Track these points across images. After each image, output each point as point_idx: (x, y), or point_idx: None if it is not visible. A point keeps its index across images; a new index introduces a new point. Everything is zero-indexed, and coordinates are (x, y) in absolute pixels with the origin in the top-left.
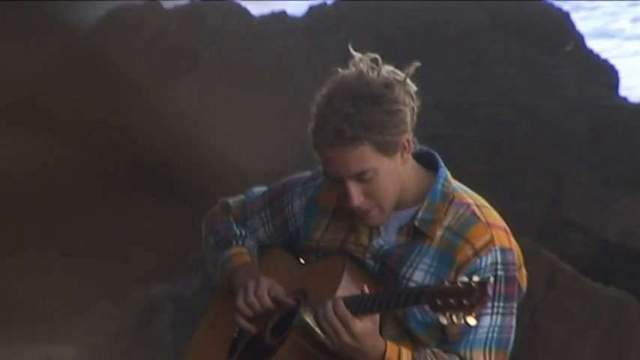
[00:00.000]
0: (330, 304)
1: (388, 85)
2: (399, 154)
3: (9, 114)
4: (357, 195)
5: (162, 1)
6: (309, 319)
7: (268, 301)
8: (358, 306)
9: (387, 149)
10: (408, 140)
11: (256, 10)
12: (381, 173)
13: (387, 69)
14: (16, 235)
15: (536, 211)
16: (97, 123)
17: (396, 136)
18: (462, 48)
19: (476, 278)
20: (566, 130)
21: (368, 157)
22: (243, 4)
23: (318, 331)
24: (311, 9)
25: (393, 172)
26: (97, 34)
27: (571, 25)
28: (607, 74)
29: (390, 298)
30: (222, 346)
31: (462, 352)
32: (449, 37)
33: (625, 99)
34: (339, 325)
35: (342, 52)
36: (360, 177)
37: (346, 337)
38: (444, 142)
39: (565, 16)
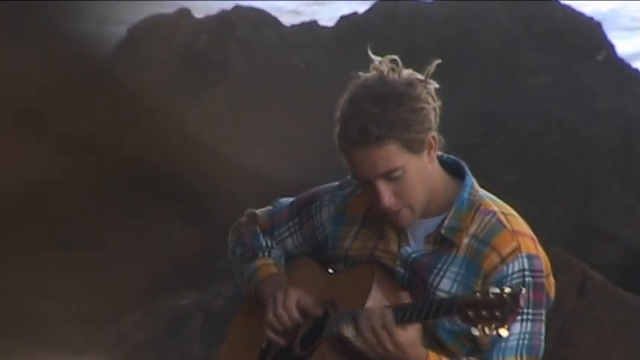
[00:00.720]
0: (377, 314)
1: (410, 83)
2: (426, 152)
3: (20, 122)
4: (387, 195)
5: (194, 9)
6: (347, 332)
7: (296, 315)
8: (399, 316)
9: (413, 147)
10: (433, 138)
11: (287, 20)
12: (410, 171)
13: (407, 70)
14: (35, 247)
15: (566, 220)
16: (115, 134)
17: (421, 133)
18: (494, 57)
19: (507, 289)
20: (596, 139)
21: (395, 156)
22: (274, 13)
23: (358, 343)
24: (342, 19)
25: (421, 171)
26: (129, 43)
27: (602, 35)
28: (638, 84)
29: (420, 310)
30: (250, 357)
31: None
32: (480, 47)
33: None
34: (384, 335)
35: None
36: (389, 176)
37: (390, 347)
38: (475, 151)
39: (596, 26)
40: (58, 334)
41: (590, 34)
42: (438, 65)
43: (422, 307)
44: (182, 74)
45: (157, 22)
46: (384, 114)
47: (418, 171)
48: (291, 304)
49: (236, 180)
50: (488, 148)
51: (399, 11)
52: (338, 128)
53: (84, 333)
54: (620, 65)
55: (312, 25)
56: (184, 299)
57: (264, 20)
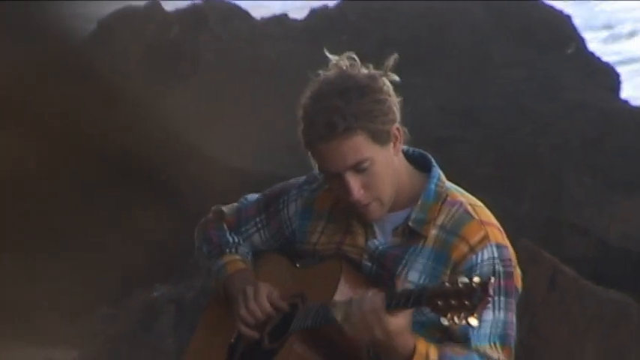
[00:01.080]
0: (367, 301)
1: (371, 76)
2: (392, 144)
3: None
4: (356, 187)
5: (164, 2)
6: (339, 317)
7: (269, 308)
8: (390, 303)
9: (379, 138)
10: (398, 129)
11: (257, 12)
12: (377, 163)
13: (366, 66)
14: (10, 236)
15: (537, 213)
16: (90, 126)
17: (386, 124)
18: (466, 51)
19: (477, 279)
20: (567, 132)
21: (363, 147)
22: (244, 5)
23: (347, 327)
24: (313, 11)
25: (388, 162)
26: (99, 36)
27: (572, 28)
28: (608, 77)
29: (390, 301)
30: (219, 351)
31: (472, 347)
32: (453, 40)
33: (626, 102)
34: (373, 321)
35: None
36: (358, 167)
37: (379, 333)
38: (448, 145)
39: (566, 19)
40: (31, 326)
41: (560, 28)
42: (412, 59)
43: (391, 299)
44: (153, 66)
45: (128, 14)
46: (348, 106)
47: (385, 163)
48: (262, 298)
49: (208, 172)
50: (463, 141)
51: (372, 4)
52: (302, 126)
53: (57, 326)
54: (590, 58)
55: (282, 18)
56: (156, 292)
57: (235, 12)
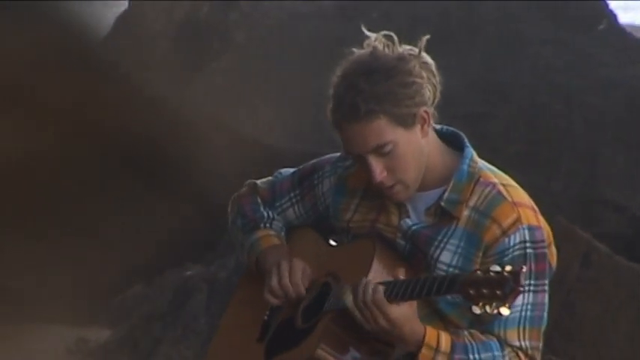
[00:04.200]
0: (369, 290)
1: (401, 58)
2: (419, 126)
3: (7, 98)
4: (379, 170)
5: None
6: (349, 303)
7: (302, 287)
8: (391, 292)
9: (403, 121)
10: (426, 112)
11: None
12: (401, 146)
13: (404, 47)
14: (40, 222)
15: (571, 190)
16: (115, 111)
17: (412, 107)
18: (496, 28)
19: (508, 267)
20: (600, 109)
21: (385, 130)
22: None
23: (357, 314)
24: None
25: (414, 145)
26: (131, 15)
27: (604, 4)
28: None
29: (422, 287)
30: (252, 328)
31: (495, 332)
32: (483, 17)
33: None
34: (375, 311)
35: (375, 33)
36: (380, 151)
37: (383, 322)
38: (479, 122)
39: None
40: (63, 307)
41: (590, 4)
42: (441, 37)
43: (423, 285)
44: (183, 46)
45: None
46: (373, 89)
47: (410, 146)
48: (297, 276)
49: (238, 151)
50: (493, 118)
51: None
52: (330, 104)
53: (89, 306)
54: (622, 34)
55: None
56: (189, 271)
57: None
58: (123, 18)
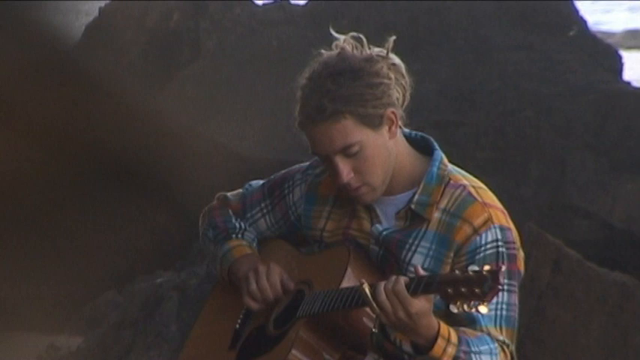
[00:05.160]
0: (390, 282)
1: (369, 59)
2: (386, 127)
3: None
4: (345, 171)
5: None
6: (368, 291)
7: (279, 288)
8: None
9: (370, 122)
10: (393, 113)
11: None
12: (368, 147)
13: (373, 49)
14: (9, 233)
15: (540, 196)
16: (85, 121)
17: (378, 108)
18: (465, 34)
19: (487, 267)
20: (570, 115)
21: (351, 131)
22: None
23: (374, 304)
24: None
25: (381, 146)
26: (100, 24)
27: (574, 10)
28: (610, 59)
29: (412, 284)
30: (224, 337)
31: (479, 329)
32: (452, 23)
33: (629, 83)
34: (396, 303)
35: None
36: (347, 152)
37: (402, 315)
38: (448, 129)
39: (567, 1)
40: (33, 316)
41: (561, 10)
42: (410, 43)
43: (412, 282)
44: (154, 54)
45: (128, 2)
46: (339, 89)
47: (377, 147)
48: (275, 278)
49: (210, 159)
50: (462, 125)
51: None
52: (298, 106)
53: (59, 315)
54: (592, 40)
55: (284, 4)
56: (159, 279)
57: None
58: (93, 27)
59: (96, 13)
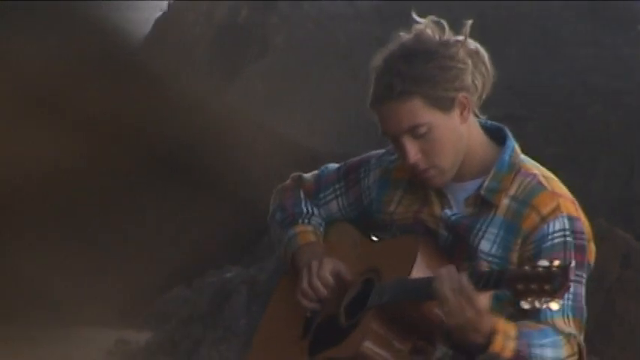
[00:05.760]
0: (463, 278)
1: (444, 43)
2: (457, 111)
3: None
4: (413, 151)
5: None
6: (439, 292)
7: (331, 281)
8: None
9: (440, 104)
10: (466, 98)
11: None
12: (437, 129)
13: (455, 35)
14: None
15: (610, 191)
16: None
17: (449, 91)
18: (534, 29)
19: (556, 262)
20: (638, 110)
21: (420, 111)
22: None
23: (446, 302)
24: None
25: (451, 130)
26: (170, 18)
27: None
28: None
29: (478, 280)
30: (294, 325)
31: (544, 321)
32: (521, 19)
33: None
34: (463, 301)
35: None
36: (414, 132)
37: (470, 313)
38: (517, 123)
39: None
40: (103, 312)
41: (628, 5)
42: (479, 38)
43: (478, 278)
44: (222, 49)
45: None
46: (411, 70)
47: (447, 130)
48: (324, 272)
49: (278, 154)
50: (531, 120)
51: None
52: (372, 86)
53: (129, 309)
54: None
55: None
56: (228, 273)
57: None
58: (162, 21)
59: (163, 6)
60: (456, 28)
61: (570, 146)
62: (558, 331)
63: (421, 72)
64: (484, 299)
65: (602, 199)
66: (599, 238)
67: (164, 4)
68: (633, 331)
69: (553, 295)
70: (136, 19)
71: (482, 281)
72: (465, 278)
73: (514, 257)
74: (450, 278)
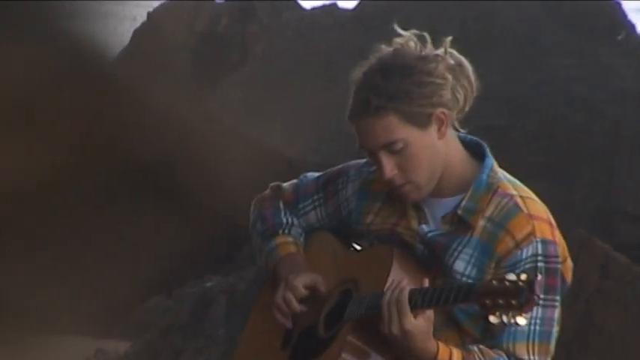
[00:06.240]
0: (397, 291)
1: (422, 58)
2: (435, 127)
3: (14, 121)
4: (389, 167)
5: None
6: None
7: (304, 293)
8: (410, 299)
9: (416, 120)
10: (444, 113)
11: (307, 3)
12: (413, 145)
13: (438, 49)
14: (56, 237)
15: (590, 201)
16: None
17: (426, 107)
18: (515, 39)
19: (523, 276)
20: (619, 120)
21: (395, 128)
22: None
23: (384, 312)
24: (362, 1)
25: (428, 146)
26: (149, 28)
27: (622, 15)
28: None
29: (439, 296)
30: (275, 336)
31: (504, 346)
32: (502, 29)
33: None
34: (394, 315)
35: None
36: (390, 148)
37: (396, 330)
38: (499, 133)
39: (616, 6)
40: (82, 321)
41: (609, 14)
42: (460, 47)
43: (440, 294)
44: (202, 58)
45: (177, 5)
46: (387, 85)
47: (423, 146)
48: (299, 286)
49: (257, 163)
50: (513, 130)
51: None
52: (350, 99)
53: (108, 318)
54: None
55: (332, 8)
56: (208, 283)
57: (284, 3)
58: (141, 31)
59: (144, 17)
60: (437, 40)
61: (552, 156)
62: (512, 357)
63: (397, 88)
64: (414, 321)
65: (583, 209)
66: (577, 249)
67: (144, 14)
68: (612, 341)
69: (520, 309)
70: (115, 29)
71: (453, 296)
72: (404, 293)
73: (488, 279)
74: (392, 289)
